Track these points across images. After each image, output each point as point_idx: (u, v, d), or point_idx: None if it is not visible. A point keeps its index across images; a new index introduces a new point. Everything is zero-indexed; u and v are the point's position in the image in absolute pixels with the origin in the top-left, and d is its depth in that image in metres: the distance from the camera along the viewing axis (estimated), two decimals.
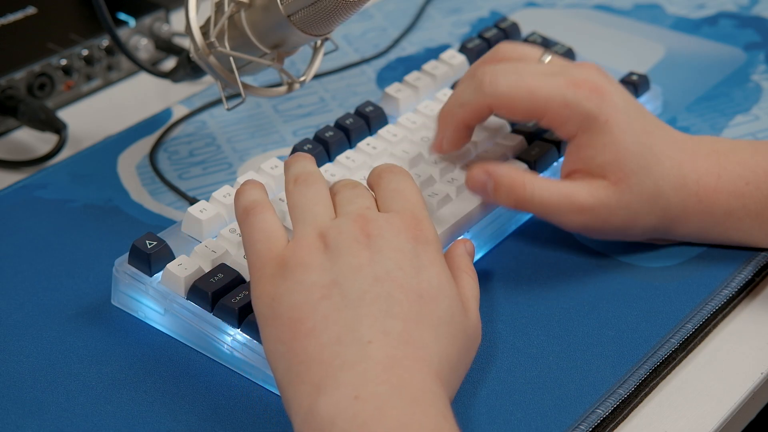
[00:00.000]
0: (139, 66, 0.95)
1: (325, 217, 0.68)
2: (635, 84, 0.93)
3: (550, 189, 0.78)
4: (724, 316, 0.78)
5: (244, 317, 0.72)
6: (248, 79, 0.91)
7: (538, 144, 0.85)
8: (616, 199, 0.78)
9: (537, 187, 0.77)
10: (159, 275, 0.75)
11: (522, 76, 0.78)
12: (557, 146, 0.85)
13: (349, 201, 0.69)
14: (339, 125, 0.87)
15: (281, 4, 0.79)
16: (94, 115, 1.01)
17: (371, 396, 0.61)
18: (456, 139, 0.81)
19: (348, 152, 0.85)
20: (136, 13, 1.04)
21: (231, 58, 0.82)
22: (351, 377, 0.61)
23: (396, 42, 1.08)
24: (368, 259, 0.65)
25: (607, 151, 0.77)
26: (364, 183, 0.74)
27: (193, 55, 0.83)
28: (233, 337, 0.72)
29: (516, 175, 0.78)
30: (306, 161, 0.73)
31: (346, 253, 0.65)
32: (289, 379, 0.63)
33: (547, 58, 0.81)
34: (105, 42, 1.02)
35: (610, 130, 0.77)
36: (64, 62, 1.00)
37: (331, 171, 0.82)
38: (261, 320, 0.66)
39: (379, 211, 0.70)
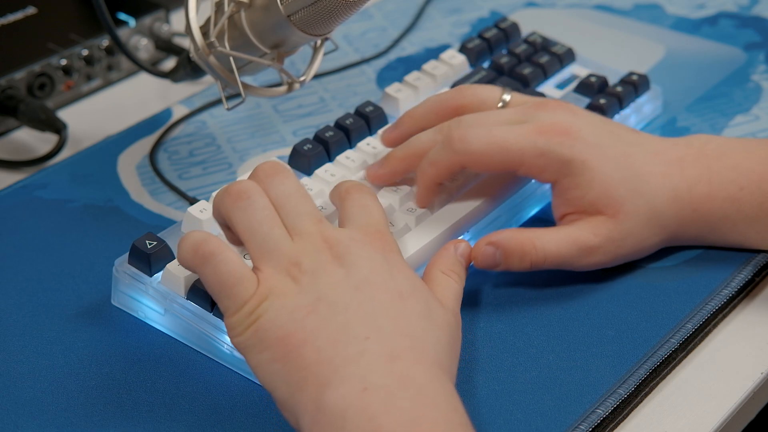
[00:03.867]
0: (139, 66, 0.95)
1: (285, 243, 0.67)
2: (635, 84, 0.93)
3: (558, 241, 0.77)
4: (724, 316, 0.78)
5: None
6: (248, 79, 0.91)
7: None
8: (618, 231, 0.77)
9: (546, 243, 0.76)
10: (159, 275, 0.75)
11: (490, 130, 0.77)
12: None
13: (294, 213, 0.68)
14: (339, 125, 0.87)
15: (281, 4, 0.79)
16: (94, 115, 1.01)
17: (379, 388, 0.61)
18: (427, 196, 0.79)
19: (348, 152, 0.85)
20: (136, 13, 1.04)
21: (231, 58, 0.82)
22: (356, 370, 0.61)
23: (396, 42, 1.08)
24: (344, 274, 0.66)
25: (594, 187, 0.77)
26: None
27: (193, 55, 0.83)
28: None
29: (522, 237, 0.76)
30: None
31: (322, 274, 0.65)
32: (291, 391, 0.63)
33: (507, 98, 0.81)
34: (105, 42, 1.02)
35: (589, 168, 0.76)
36: (64, 62, 1.00)
37: (331, 171, 0.82)
38: (248, 353, 0.65)
39: (342, 225, 0.70)
